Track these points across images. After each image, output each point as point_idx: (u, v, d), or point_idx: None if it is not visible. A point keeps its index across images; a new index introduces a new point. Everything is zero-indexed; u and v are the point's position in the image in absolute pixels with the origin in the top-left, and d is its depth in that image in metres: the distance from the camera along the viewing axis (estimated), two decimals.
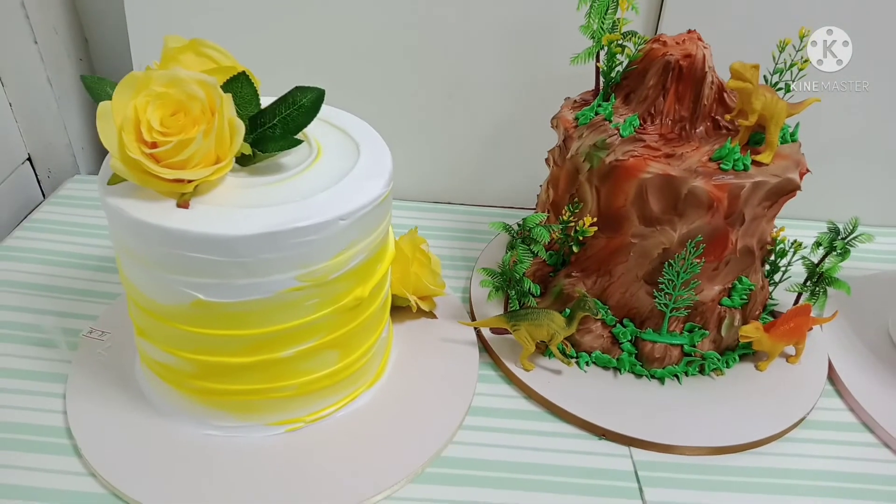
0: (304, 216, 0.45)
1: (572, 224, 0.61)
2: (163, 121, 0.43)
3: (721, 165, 0.55)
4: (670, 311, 0.61)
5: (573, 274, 0.63)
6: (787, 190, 0.57)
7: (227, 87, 0.47)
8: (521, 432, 0.58)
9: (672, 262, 0.58)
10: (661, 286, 0.60)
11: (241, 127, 0.45)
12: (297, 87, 0.51)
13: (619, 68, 0.63)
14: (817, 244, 0.64)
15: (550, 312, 0.60)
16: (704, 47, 0.59)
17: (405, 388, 0.60)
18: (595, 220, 0.60)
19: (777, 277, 0.68)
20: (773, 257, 0.65)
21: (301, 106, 0.50)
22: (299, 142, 0.49)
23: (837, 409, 0.63)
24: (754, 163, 0.57)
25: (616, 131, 0.58)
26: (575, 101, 0.67)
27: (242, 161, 0.49)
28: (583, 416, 0.58)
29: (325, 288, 0.49)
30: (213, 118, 0.43)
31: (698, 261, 0.58)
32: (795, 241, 0.65)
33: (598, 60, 0.64)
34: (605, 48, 0.61)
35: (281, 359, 0.50)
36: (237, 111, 0.46)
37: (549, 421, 0.59)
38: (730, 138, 0.57)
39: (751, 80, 0.54)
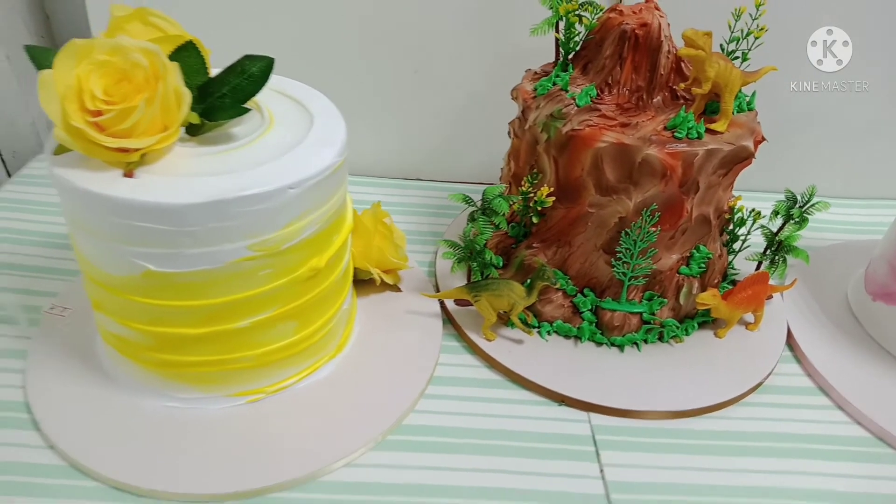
0: (253, 184, 0.45)
1: (531, 195, 0.61)
2: (106, 89, 0.42)
3: (675, 134, 0.56)
4: (629, 280, 0.62)
5: (534, 245, 0.64)
6: (741, 157, 0.57)
7: (174, 56, 0.46)
8: (482, 400, 0.59)
9: (629, 231, 0.59)
10: (619, 255, 0.60)
11: (187, 95, 0.45)
12: (246, 56, 0.50)
13: (578, 38, 0.63)
14: (775, 213, 0.65)
15: (510, 283, 0.60)
16: (661, 16, 0.59)
17: (367, 359, 0.60)
18: (553, 190, 0.60)
19: (737, 246, 0.69)
20: (731, 226, 0.66)
21: (250, 75, 0.50)
22: (247, 110, 0.49)
23: (795, 374, 0.64)
24: (709, 131, 0.57)
25: (572, 101, 0.58)
26: (536, 72, 0.67)
27: (192, 131, 0.49)
28: (542, 384, 0.59)
29: (278, 258, 0.49)
30: (156, 86, 0.43)
31: (654, 229, 0.58)
32: (754, 210, 0.66)
33: (557, 31, 0.64)
34: (564, 18, 0.61)
35: (236, 329, 0.51)
36: (185, 80, 0.46)
37: (510, 389, 0.60)
38: (684, 107, 0.57)
39: (703, 48, 0.54)
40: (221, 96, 0.48)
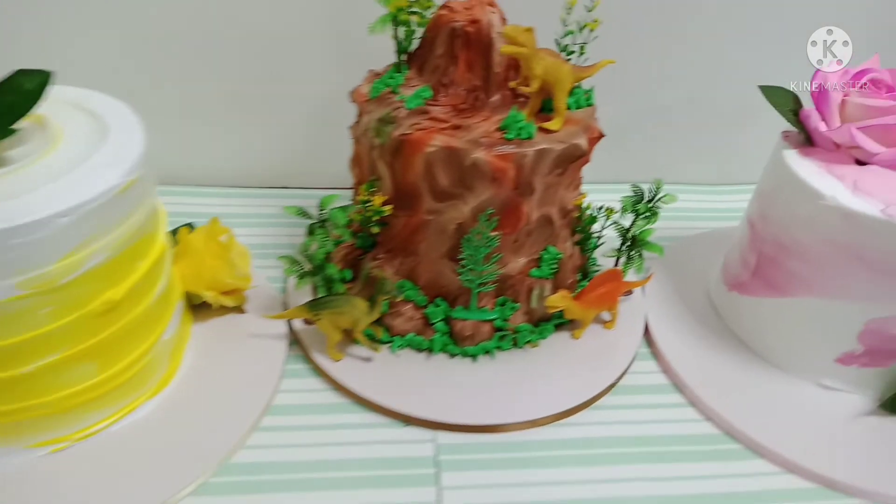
0: (15, 215, 0.40)
1: (368, 204, 0.58)
2: None
3: (505, 135, 0.53)
4: (477, 287, 0.59)
5: (379, 256, 0.61)
6: (575, 156, 0.56)
7: None
8: (324, 427, 0.55)
9: (469, 237, 0.56)
10: (463, 263, 0.58)
11: None
12: (19, 71, 0.45)
13: (415, 37, 0.60)
14: (624, 208, 0.64)
15: (352, 298, 0.57)
16: (493, 12, 0.57)
17: (196, 393, 0.55)
18: (390, 198, 0.57)
19: (594, 243, 0.68)
20: (582, 224, 0.64)
21: (24, 91, 0.45)
22: (13, 131, 0.43)
23: (651, 371, 0.63)
24: (542, 130, 0.55)
25: (402, 104, 0.55)
26: (377, 73, 0.64)
27: None
28: (387, 404, 0.55)
29: (58, 294, 0.43)
30: None
31: (495, 234, 0.56)
32: (604, 206, 0.64)
33: (394, 29, 0.61)
34: (397, 16, 0.58)
35: (22, 376, 0.45)
36: None
37: (356, 412, 0.56)
38: (514, 106, 0.55)
39: (525, 45, 0.52)
40: None
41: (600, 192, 0.88)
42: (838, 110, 0.58)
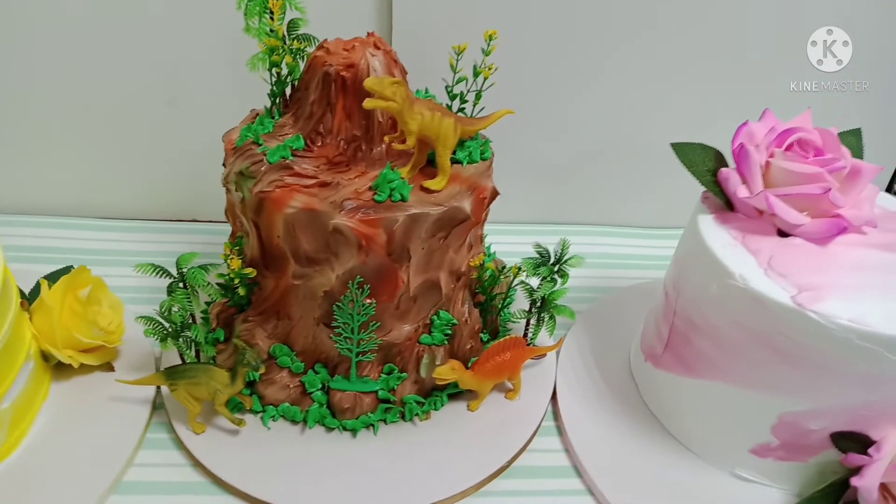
0: None
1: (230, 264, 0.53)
2: None
3: (375, 196, 0.48)
4: (356, 356, 0.54)
5: (250, 318, 0.55)
6: (457, 220, 0.50)
7: None
8: None
9: (340, 304, 0.51)
10: (337, 330, 0.52)
11: None
12: None
13: (291, 79, 0.54)
14: (526, 272, 0.58)
15: (210, 369, 0.52)
16: (373, 54, 0.51)
17: (38, 468, 0.50)
18: (255, 257, 0.52)
19: (511, 301, 0.63)
20: (483, 285, 0.59)
21: None
22: None
23: (553, 450, 0.57)
24: (424, 190, 0.49)
25: (263, 157, 0.50)
26: (258, 112, 0.58)
27: None
28: (243, 488, 0.50)
29: None
30: None
31: (369, 302, 0.51)
32: (507, 266, 0.59)
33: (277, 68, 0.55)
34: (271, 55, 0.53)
35: None
36: None
37: (214, 495, 0.51)
38: (389, 164, 0.50)
39: (393, 98, 0.46)
40: None
41: (537, 234, 0.82)
42: (761, 173, 0.52)
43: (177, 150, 0.77)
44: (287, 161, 0.49)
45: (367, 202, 0.47)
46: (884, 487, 0.50)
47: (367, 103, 0.46)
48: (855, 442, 0.49)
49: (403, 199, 0.48)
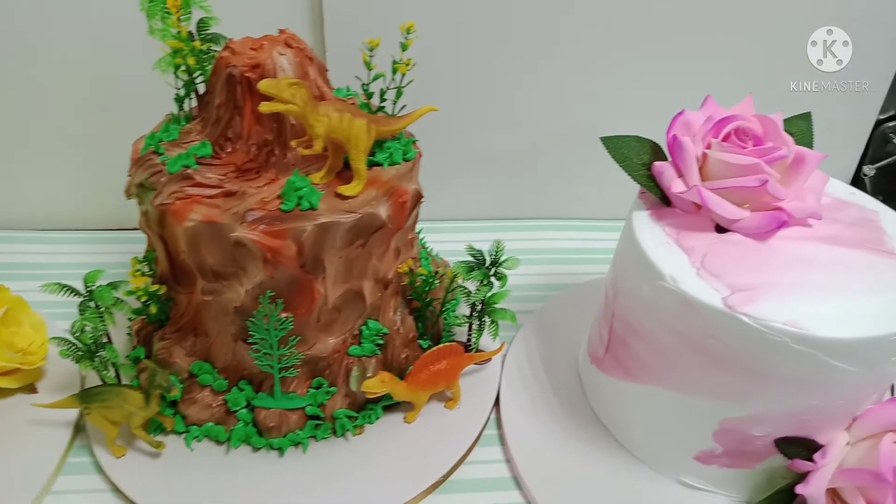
0: None
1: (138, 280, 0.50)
2: None
3: (281, 206, 0.45)
4: (279, 372, 0.51)
5: (167, 336, 0.52)
6: (373, 227, 0.47)
7: None
8: None
9: (255, 320, 0.48)
10: (255, 346, 0.49)
11: None
12: None
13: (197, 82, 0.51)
14: (461, 277, 0.55)
15: (123, 391, 0.49)
16: (281, 53, 0.48)
17: None
18: (164, 272, 0.49)
19: (453, 307, 0.60)
20: (416, 291, 0.56)
21: None
22: None
23: (494, 460, 0.55)
24: (339, 196, 0.47)
25: (163, 167, 0.47)
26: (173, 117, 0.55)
27: None
28: None
29: None
30: None
31: (285, 316, 0.48)
32: (439, 271, 0.56)
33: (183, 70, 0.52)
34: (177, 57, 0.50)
35: None
36: None
37: None
38: (296, 170, 0.47)
39: (292, 101, 0.43)
40: None
41: (492, 230, 0.80)
42: (697, 165, 0.49)
43: (109, 157, 0.74)
44: (189, 171, 0.46)
45: (273, 212, 0.44)
46: (834, 492, 0.47)
47: (263, 107, 0.43)
48: (801, 447, 0.47)
49: (312, 208, 0.45)
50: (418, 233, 0.66)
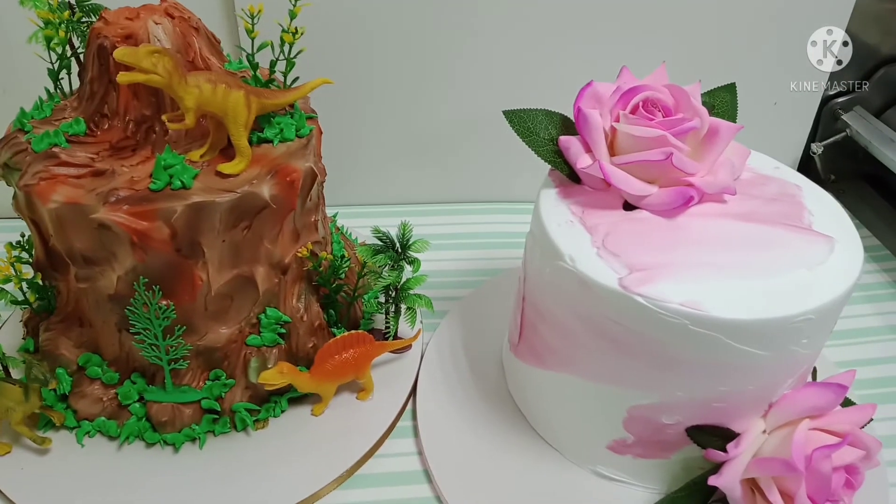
0: None
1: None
2: None
3: (150, 185, 0.42)
4: (168, 364, 0.48)
5: (52, 326, 0.49)
6: (256, 207, 0.44)
7: None
8: None
9: (133, 308, 0.45)
10: (138, 336, 0.47)
11: None
12: None
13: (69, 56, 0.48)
14: (364, 262, 0.52)
15: (2, 385, 0.46)
16: (157, 23, 0.45)
17: None
18: (40, 258, 0.46)
19: (374, 293, 0.57)
20: (323, 276, 0.53)
21: None
22: None
23: (406, 453, 0.52)
24: (220, 175, 0.44)
25: (28, 145, 0.44)
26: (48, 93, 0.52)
27: None
28: None
29: None
30: None
31: (166, 304, 0.45)
32: (344, 256, 0.53)
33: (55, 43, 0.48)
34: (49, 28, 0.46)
35: None
36: None
37: None
38: (168, 146, 0.44)
39: (155, 71, 0.40)
40: None
41: (423, 214, 0.77)
42: (606, 139, 0.46)
43: None
44: (55, 149, 0.43)
45: (140, 192, 0.41)
46: (751, 482, 0.45)
47: (121, 77, 0.39)
48: (714, 436, 0.44)
49: (185, 187, 0.42)
50: (334, 216, 0.63)
